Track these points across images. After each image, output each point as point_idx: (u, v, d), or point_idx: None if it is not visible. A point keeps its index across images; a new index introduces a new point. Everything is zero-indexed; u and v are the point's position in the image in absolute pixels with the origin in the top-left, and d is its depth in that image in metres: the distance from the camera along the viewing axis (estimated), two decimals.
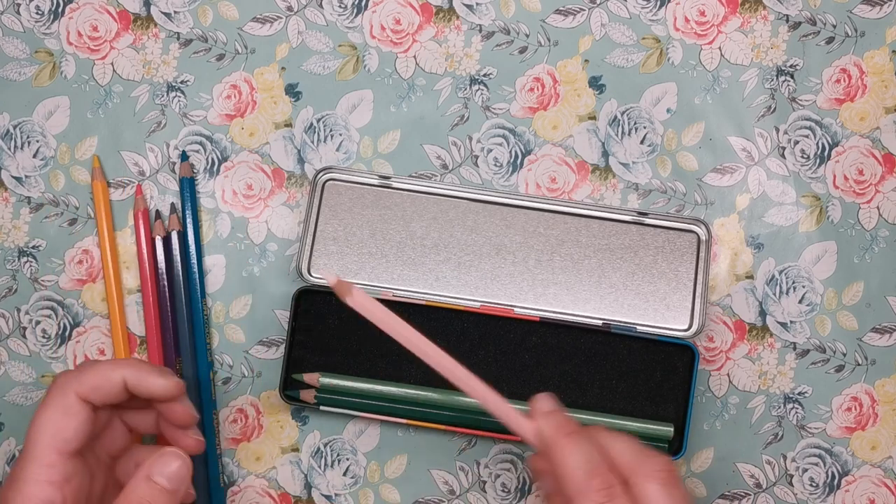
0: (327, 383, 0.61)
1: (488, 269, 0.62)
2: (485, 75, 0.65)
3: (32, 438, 0.50)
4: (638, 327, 0.62)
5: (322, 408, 0.61)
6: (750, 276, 0.64)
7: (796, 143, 0.65)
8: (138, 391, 0.52)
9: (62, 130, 0.65)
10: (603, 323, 0.62)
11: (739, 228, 0.64)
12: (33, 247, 0.64)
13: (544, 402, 0.52)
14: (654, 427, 0.61)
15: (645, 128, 0.65)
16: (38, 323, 0.64)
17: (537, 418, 0.51)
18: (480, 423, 0.61)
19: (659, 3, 0.66)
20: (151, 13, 0.66)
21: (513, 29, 0.65)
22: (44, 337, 0.64)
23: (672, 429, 0.61)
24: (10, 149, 0.65)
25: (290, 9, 0.66)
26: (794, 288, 0.64)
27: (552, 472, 0.50)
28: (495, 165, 0.65)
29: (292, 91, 0.65)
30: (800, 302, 0.64)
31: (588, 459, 0.49)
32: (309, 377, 0.61)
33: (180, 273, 0.63)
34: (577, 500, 0.48)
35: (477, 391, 0.51)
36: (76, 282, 0.64)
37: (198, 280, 0.63)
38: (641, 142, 0.65)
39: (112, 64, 0.65)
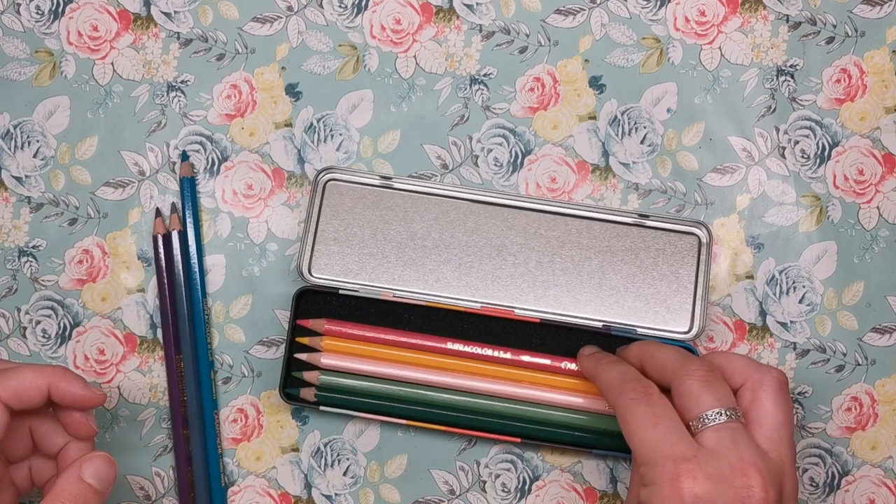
0: (327, 381, 0.61)
1: (489, 270, 0.62)
2: (485, 75, 0.65)
3: None
4: (638, 329, 0.62)
5: (322, 407, 0.61)
6: (750, 276, 0.64)
7: (796, 143, 0.65)
8: (62, 400, 0.53)
9: (62, 130, 0.65)
10: (603, 325, 0.62)
11: (739, 228, 0.64)
12: (33, 247, 0.64)
13: (586, 348, 0.61)
14: None
15: (645, 128, 0.65)
16: (38, 323, 0.64)
17: (581, 360, 0.60)
18: (480, 424, 0.61)
19: (659, 3, 0.66)
20: (151, 13, 0.65)
21: (513, 29, 0.65)
22: (44, 337, 0.64)
23: None
24: (10, 149, 0.65)
25: (290, 9, 0.65)
26: (794, 288, 0.64)
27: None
28: (495, 165, 0.65)
29: (292, 91, 0.65)
30: (800, 302, 0.64)
31: (621, 372, 0.55)
32: (309, 375, 0.61)
33: (181, 273, 0.63)
34: (616, 402, 0.54)
35: None
36: (76, 282, 0.64)
37: (198, 280, 0.63)
38: (641, 142, 0.65)
39: (112, 64, 0.65)
